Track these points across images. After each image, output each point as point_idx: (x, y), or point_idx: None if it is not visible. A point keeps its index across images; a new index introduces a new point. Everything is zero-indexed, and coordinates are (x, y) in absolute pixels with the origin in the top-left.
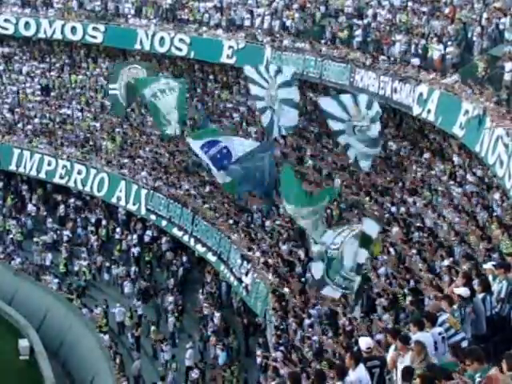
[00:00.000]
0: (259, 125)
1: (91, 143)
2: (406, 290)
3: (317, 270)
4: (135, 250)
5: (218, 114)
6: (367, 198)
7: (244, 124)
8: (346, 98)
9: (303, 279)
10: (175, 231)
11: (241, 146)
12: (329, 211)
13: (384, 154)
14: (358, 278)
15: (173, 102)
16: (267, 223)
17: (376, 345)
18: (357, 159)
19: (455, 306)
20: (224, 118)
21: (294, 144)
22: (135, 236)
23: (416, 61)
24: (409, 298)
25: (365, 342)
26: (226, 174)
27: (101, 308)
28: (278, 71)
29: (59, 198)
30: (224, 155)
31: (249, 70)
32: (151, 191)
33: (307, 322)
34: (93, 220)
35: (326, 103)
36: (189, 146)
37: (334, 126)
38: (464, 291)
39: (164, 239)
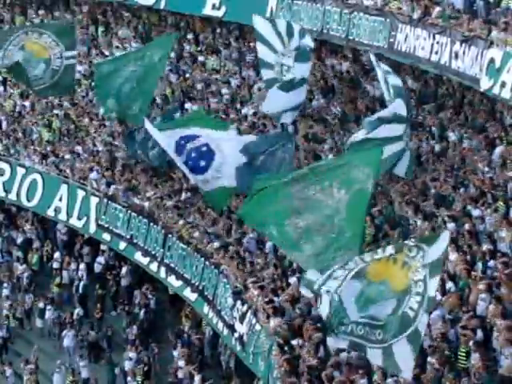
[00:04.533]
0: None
1: (18, 130)
2: (470, 344)
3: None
4: (81, 285)
5: (199, 89)
6: (411, 211)
7: (237, 104)
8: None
9: (320, 324)
10: (138, 257)
11: (228, 144)
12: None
13: (439, 148)
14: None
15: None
16: (268, 245)
17: None
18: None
19: None
20: (208, 95)
21: (307, 131)
22: (82, 265)
23: None
24: (475, 356)
25: None
26: (203, 182)
27: (30, 369)
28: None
29: None
30: (202, 154)
31: (259, 22)
32: (104, 200)
33: None
34: (20, 241)
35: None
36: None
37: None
38: None
39: (124, 269)
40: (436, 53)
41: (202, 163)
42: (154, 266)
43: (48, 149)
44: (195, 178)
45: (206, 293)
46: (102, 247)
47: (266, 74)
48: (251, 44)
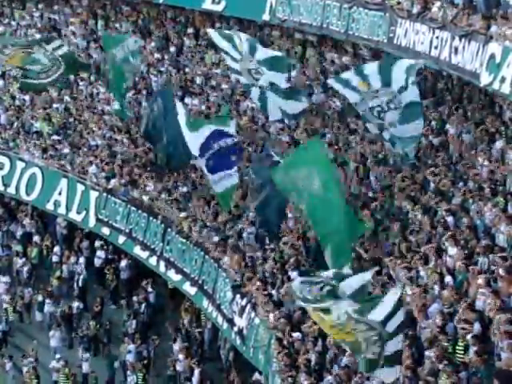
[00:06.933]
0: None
1: (17, 124)
2: (468, 338)
3: None
4: (80, 279)
5: (199, 83)
6: (409, 205)
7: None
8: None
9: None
10: (138, 251)
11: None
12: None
13: (438, 141)
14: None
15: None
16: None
17: None
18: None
19: None
20: (209, 89)
21: (307, 126)
22: (81, 259)
23: None
24: (473, 349)
25: None
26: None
27: (28, 363)
28: (253, 47)
29: None
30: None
31: (214, 35)
32: (104, 194)
33: (329, 379)
34: (19, 235)
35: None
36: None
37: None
38: None
39: (124, 263)
40: (436, 47)
41: (233, 158)
42: (153, 260)
43: (48, 142)
44: (218, 175)
45: (205, 287)
46: (97, 243)
47: (240, 78)
48: None
